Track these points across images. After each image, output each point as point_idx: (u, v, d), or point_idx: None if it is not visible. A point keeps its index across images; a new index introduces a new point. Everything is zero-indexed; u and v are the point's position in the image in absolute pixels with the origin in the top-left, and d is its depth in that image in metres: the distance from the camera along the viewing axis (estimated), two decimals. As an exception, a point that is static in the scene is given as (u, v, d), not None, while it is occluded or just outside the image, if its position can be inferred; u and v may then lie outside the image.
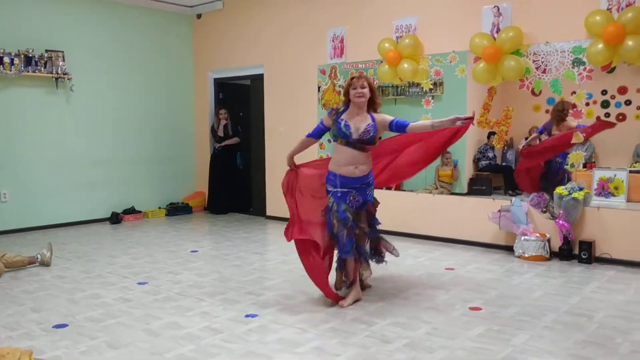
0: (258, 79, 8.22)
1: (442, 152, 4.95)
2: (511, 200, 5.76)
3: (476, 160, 7.15)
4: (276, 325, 3.62)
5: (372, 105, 4.01)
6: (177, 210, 8.56)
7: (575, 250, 5.32)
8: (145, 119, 8.42)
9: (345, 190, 3.96)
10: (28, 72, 7.01)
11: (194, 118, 9.14)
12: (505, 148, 7.51)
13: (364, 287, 4.32)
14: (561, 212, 5.33)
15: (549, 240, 5.39)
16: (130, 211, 8.09)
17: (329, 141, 7.30)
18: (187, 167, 9.10)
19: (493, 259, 5.48)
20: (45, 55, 7.18)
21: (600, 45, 5.07)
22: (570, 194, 5.33)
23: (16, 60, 6.89)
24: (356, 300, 4.05)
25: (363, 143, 3.93)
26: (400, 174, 4.68)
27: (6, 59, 6.80)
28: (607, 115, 7.08)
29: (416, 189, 6.68)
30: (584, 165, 6.46)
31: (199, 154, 9.13)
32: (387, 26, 6.61)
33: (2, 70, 6.78)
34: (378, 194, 4.33)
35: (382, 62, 6.55)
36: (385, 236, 4.32)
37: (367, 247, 4.15)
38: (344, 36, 7.08)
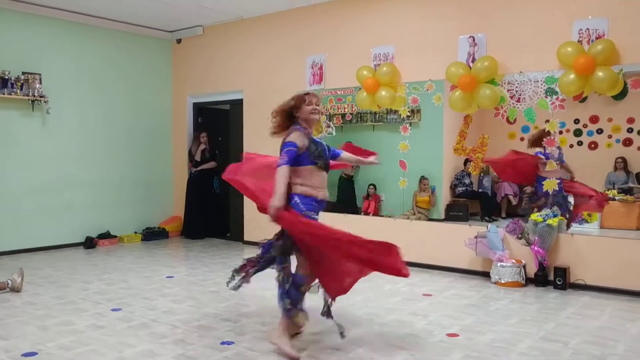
0: (237, 104, 8.25)
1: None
2: (487, 227, 5.82)
3: (453, 187, 7.23)
4: (252, 352, 3.57)
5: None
6: (153, 235, 8.45)
7: (550, 277, 5.38)
8: (122, 143, 8.36)
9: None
10: (4, 94, 6.92)
11: (172, 142, 9.09)
12: (482, 175, 7.61)
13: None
14: (536, 238, 5.40)
15: (524, 266, 5.44)
16: (105, 236, 7.96)
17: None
18: (164, 191, 9.01)
19: (470, 284, 5.50)
20: (22, 77, 7.12)
21: (572, 76, 5.22)
22: (544, 220, 5.40)
23: (-8, 82, 6.83)
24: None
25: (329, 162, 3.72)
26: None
27: (-19, 81, 6.73)
28: (580, 143, 7.26)
29: (394, 215, 6.71)
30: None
31: (176, 178, 9.06)
32: (365, 54, 6.72)
33: (-24, 92, 6.70)
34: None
35: (360, 89, 6.63)
36: None
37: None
38: (323, 63, 7.16)
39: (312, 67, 7.26)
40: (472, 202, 7.12)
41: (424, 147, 6.56)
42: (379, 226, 6.61)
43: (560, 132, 7.12)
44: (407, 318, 4.35)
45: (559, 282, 5.26)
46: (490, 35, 5.84)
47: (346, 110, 7.12)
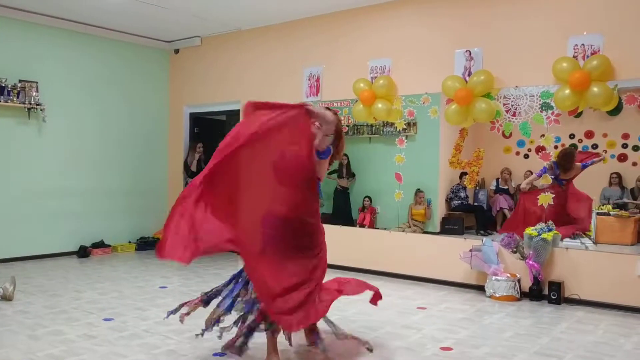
0: (234, 115, 8.25)
1: None
2: (482, 240, 5.82)
3: (448, 200, 7.25)
4: (245, 364, 3.54)
5: None
6: (147, 244, 8.41)
7: (545, 291, 5.37)
8: (118, 152, 8.35)
9: None
10: (0, 101, 6.92)
11: (168, 152, 9.09)
12: (477, 188, 7.63)
13: None
14: (531, 252, 5.40)
15: (519, 281, 5.43)
16: (99, 245, 7.92)
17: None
18: (159, 201, 8.98)
19: (464, 298, 5.49)
20: (19, 85, 7.12)
21: (567, 91, 5.25)
22: (539, 234, 5.41)
23: (-12, 90, 6.83)
24: None
25: None
26: None
27: (-22, 88, 6.73)
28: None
29: (389, 227, 6.71)
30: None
31: (171, 187, 9.04)
32: (362, 67, 6.75)
33: (-27, 99, 6.69)
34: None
35: (357, 101, 6.66)
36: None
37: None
38: (320, 75, 7.19)
39: (309, 79, 7.29)
40: (467, 216, 7.13)
41: (420, 160, 6.58)
42: (375, 239, 6.60)
43: (556, 147, 7.13)
44: (400, 331, 4.33)
45: (553, 297, 5.25)
46: (486, 49, 5.88)
47: (342, 122, 7.12)
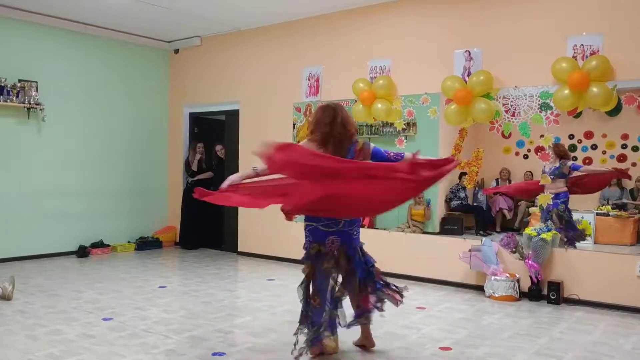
0: (233, 115, 8.26)
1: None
2: (482, 240, 5.82)
3: (448, 200, 7.25)
4: (244, 364, 3.54)
5: None
6: (146, 244, 8.41)
7: (544, 291, 5.37)
8: (118, 152, 8.35)
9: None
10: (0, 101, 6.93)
11: (168, 152, 9.09)
12: (477, 188, 7.63)
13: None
14: (530, 252, 5.40)
15: (518, 281, 5.43)
16: (99, 245, 7.92)
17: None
18: (159, 200, 8.99)
19: (464, 298, 5.49)
20: (18, 84, 7.12)
21: (567, 91, 5.25)
22: (538, 234, 5.41)
23: (-12, 89, 6.83)
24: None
25: None
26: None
27: (-23, 88, 6.73)
28: (575, 158, 7.29)
29: (389, 228, 6.71)
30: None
31: (171, 187, 9.04)
32: (361, 67, 6.75)
33: (-28, 99, 6.69)
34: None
35: (356, 101, 6.66)
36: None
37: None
38: (319, 75, 7.19)
39: (309, 79, 7.29)
40: (466, 216, 7.14)
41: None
42: (374, 239, 6.59)
43: (555, 147, 7.16)
44: (400, 331, 4.33)
45: (552, 297, 5.25)
46: (486, 49, 5.88)
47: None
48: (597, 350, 3.93)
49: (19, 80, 7.15)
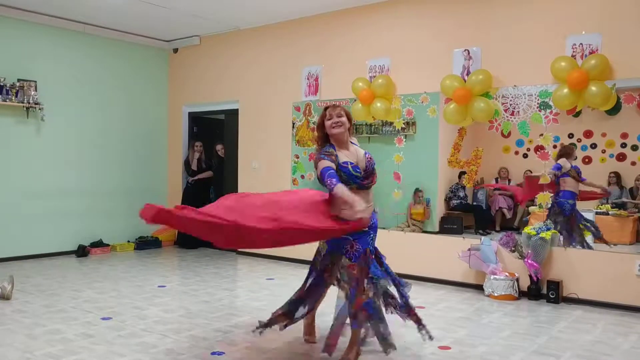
0: (232, 114, 8.25)
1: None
2: (481, 239, 5.82)
3: (447, 199, 7.24)
4: (243, 363, 3.54)
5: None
6: (146, 244, 8.41)
7: (543, 290, 5.37)
8: (117, 151, 8.34)
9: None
10: (-2, 100, 6.94)
11: (167, 151, 9.08)
12: (476, 188, 7.63)
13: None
14: (529, 251, 5.40)
15: (517, 280, 5.43)
16: (98, 244, 7.92)
17: (302, 177, 7.33)
18: (159, 200, 8.96)
19: (463, 297, 5.49)
20: (17, 84, 7.11)
21: (566, 90, 5.25)
22: (538, 233, 5.41)
23: (-13, 89, 6.82)
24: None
25: (367, 178, 3.44)
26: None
27: (-24, 87, 6.72)
28: (574, 158, 7.27)
29: (388, 227, 6.70)
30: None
31: (171, 187, 9.04)
32: (361, 66, 6.74)
33: (-29, 99, 6.69)
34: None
35: (355, 100, 6.65)
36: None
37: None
38: (318, 74, 7.19)
39: (308, 78, 7.28)
40: (466, 215, 7.13)
41: (418, 159, 6.57)
42: (373, 238, 6.59)
43: (555, 147, 7.14)
44: (399, 330, 4.32)
45: (551, 296, 5.25)
46: (485, 48, 5.88)
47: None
48: (595, 349, 3.93)
49: (18, 80, 7.15)
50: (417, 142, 6.53)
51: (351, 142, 3.54)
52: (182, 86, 8.88)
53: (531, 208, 6.70)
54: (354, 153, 3.48)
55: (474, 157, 6.36)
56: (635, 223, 6.48)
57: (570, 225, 5.86)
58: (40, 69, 7.43)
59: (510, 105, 5.71)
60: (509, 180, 7.96)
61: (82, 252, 7.65)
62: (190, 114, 8.94)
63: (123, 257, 7.64)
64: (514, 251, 5.51)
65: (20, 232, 7.25)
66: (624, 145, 7.26)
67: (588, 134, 7.47)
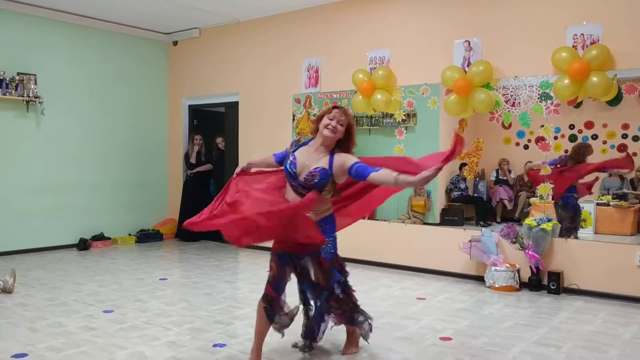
0: (232, 107, 8.24)
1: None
2: (482, 231, 5.82)
3: (448, 191, 7.24)
4: (245, 355, 3.54)
5: (341, 147, 3.30)
6: (147, 237, 8.42)
7: (544, 281, 5.38)
8: (117, 144, 8.33)
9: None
10: (-2, 94, 6.92)
11: (167, 144, 9.07)
12: (477, 179, 7.62)
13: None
14: (530, 243, 5.40)
15: (518, 271, 5.44)
16: (99, 237, 7.93)
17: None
18: (159, 193, 8.99)
19: (464, 289, 5.49)
20: (17, 78, 7.09)
21: (567, 81, 5.23)
22: (539, 225, 5.40)
23: (-14, 82, 6.81)
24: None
25: (305, 188, 3.19)
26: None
27: (-24, 81, 6.71)
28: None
29: (389, 219, 6.71)
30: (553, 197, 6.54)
31: (171, 180, 9.04)
32: (361, 57, 6.72)
33: (-29, 92, 6.67)
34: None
35: (356, 92, 6.63)
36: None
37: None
38: (319, 66, 7.16)
39: (308, 70, 7.26)
40: (467, 207, 7.13)
41: (419, 150, 6.53)
42: (374, 230, 6.60)
43: (555, 137, 7.12)
44: (400, 322, 4.34)
45: (552, 287, 5.25)
46: (485, 39, 5.86)
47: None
48: (596, 339, 3.94)
49: (18, 73, 7.13)
50: (418, 134, 6.52)
51: (334, 153, 3.26)
52: (182, 79, 8.86)
53: (532, 199, 6.70)
54: (314, 159, 3.24)
55: (474, 148, 6.34)
56: (636, 214, 6.48)
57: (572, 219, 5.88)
58: (40, 63, 7.40)
59: (511, 96, 5.69)
60: (510, 171, 7.95)
61: (83, 245, 7.66)
62: (190, 106, 8.92)
63: (124, 250, 7.65)
64: (514, 242, 5.51)
65: (21, 226, 7.26)
66: (625, 136, 7.24)
67: (589, 124, 7.45)
